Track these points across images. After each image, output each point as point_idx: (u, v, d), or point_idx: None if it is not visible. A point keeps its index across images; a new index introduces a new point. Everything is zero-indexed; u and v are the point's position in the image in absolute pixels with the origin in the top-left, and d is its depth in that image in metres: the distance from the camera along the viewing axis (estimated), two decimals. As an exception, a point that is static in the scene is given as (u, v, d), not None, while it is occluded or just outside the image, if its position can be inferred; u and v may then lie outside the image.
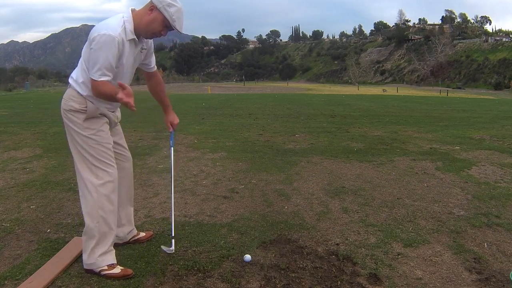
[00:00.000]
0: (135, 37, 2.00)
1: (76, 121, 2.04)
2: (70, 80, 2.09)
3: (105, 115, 2.11)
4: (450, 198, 3.36)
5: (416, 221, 2.85)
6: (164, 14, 1.96)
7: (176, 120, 2.43)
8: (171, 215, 2.35)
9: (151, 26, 2.00)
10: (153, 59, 2.31)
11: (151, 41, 2.22)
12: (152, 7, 1.98)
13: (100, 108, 2.07)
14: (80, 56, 2.05)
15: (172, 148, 2.47)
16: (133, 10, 2.05)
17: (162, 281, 2.01)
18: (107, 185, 2.05)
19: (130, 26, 1.98)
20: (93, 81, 1.92)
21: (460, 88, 69.43)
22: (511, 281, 1.97)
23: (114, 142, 2.27)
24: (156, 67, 2.36)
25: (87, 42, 1.97)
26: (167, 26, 2.01)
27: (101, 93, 1.93)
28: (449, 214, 2.98)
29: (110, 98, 1.94)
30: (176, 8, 1.97)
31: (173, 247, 2.23)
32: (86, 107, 2.03)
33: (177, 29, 2.03)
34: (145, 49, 2.17)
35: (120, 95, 1.84)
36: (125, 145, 2.37)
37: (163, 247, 2.25)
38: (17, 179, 3.97)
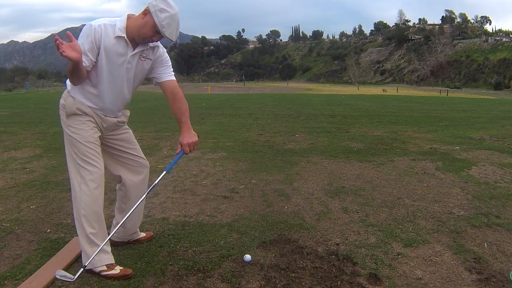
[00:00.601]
0: (125, 35, 1.97)
1: (63, 118, 2.08)
2: None
3: (86, 114, 2.06)
4: (450, 198, 3.36)
5: (416, 221, 2.85)
6: (154, 19, 1.92)
7: (187, 140, 2.16)
8: (107, 239, 2.07)
9: (142, 30, 1.96)
10: (162, 71, 2.17)
11: (161, 53, 2.15)
12: (146, 11, 1.96)
13: (81, 106, 2.04)
14: None
15: (165, 172, 2.17)
16: (130, 15, 2.05)
17: (162, 281, 2.01)
18: (89, 184, 2.02)
19: (120, 25, 1.98)
20: None
21: (458, 88, 69.36)
22: (511, 281, 1.97)
23: (125, 152, 2.27)
24: (170, 81, 2.18)
25: None
26: (158, 31, 1.95)
27: (68, 74, 1.92)
28: (449, 214, 2.98)
29: (71, 69, 1.86)
30: (168, 14, 1.92)
31: (75, 277, 1.92)
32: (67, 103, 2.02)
33: (166, 36, 1.96)
34: (150, 59, 2.11)
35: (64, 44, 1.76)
36: (138, 153, 2.33)
37: (60, 272, 1.91)
38: (17, 179, 3.97)
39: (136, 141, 2.37)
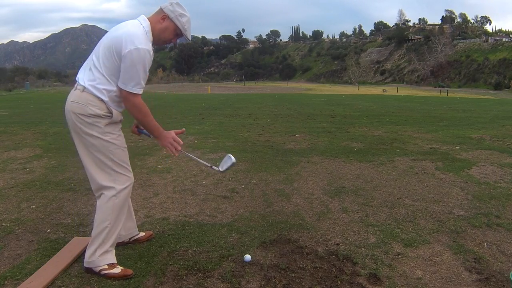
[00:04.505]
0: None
1: (97, 125, 1.97)
2: (83, 84, 1.97)
3: (120, 122, 2.14)
4: (450, 198, 3.37)
5: (416, 221, 2.85)
6: (177, 24, 2.05)
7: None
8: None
9: (163, 35, 2.06)
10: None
11: None
12: (164, 16, 2.03)
13: (120, 116, 2.11)
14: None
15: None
16: (150, 19, 2.08)
17: (162, 281, 2.01)
18: (127, 190, 2.10)
19: (150, 36, 2.02)
20: (129, 94, 1.94)
21: (444, 87, 68.96)
22: (511, 281, 1.97)
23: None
24: None
25: (108, 51, 1.93)
26: (178, 34, 2.09)
27: (136, 106, 1.97)
28: (449, 214, 2.98)
29: (144, 117, 2.01)
30: (187, 18, 2.06)
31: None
32: (108, 112, 2.00)
33: (187, 37, 2.12)
34: None
35: (170, 142, 2.05)
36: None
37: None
38: (17, 179, 3.97)
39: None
